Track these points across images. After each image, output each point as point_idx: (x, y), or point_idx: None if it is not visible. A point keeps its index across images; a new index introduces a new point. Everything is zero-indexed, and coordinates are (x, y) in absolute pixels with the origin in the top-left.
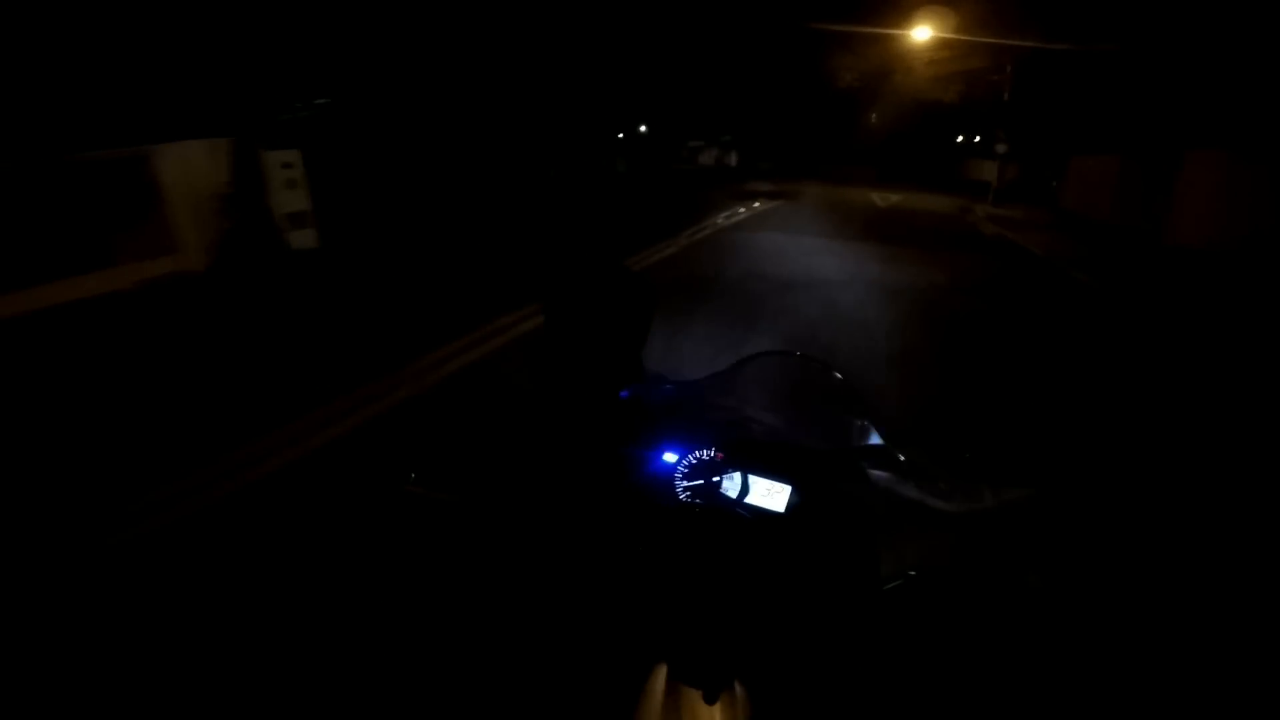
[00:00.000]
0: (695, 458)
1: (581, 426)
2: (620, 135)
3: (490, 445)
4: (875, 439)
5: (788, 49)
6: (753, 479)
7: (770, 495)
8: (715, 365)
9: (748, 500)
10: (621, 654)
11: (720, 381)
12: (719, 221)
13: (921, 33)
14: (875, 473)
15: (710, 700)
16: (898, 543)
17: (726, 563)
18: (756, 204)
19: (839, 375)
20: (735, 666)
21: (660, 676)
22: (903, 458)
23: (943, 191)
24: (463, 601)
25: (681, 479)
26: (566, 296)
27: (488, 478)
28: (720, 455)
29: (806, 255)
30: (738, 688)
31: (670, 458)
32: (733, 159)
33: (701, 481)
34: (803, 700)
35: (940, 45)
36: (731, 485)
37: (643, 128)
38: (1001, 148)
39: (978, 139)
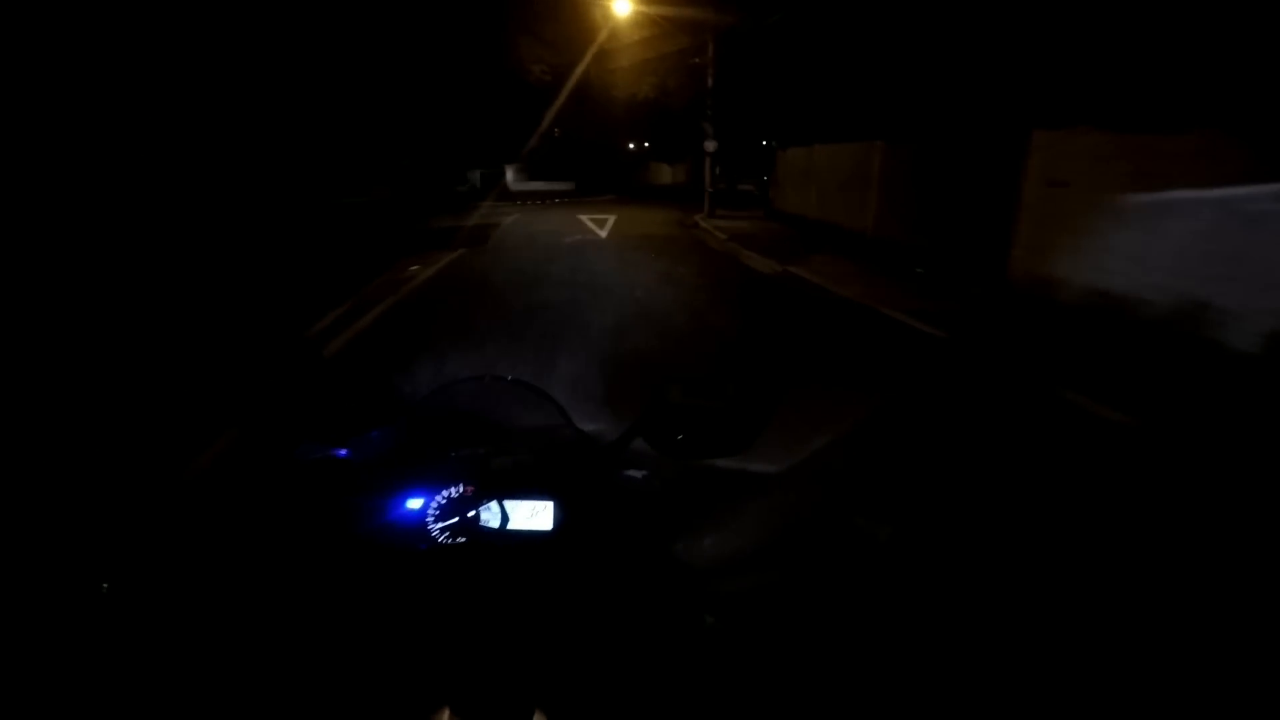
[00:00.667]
0: (445, 496)
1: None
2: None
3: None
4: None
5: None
6: (511, 504)
7: (535, 516)
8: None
9: (511, 527)
10: (400, 703)
11: (420, 421)
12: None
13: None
14: (628, 472)
15: None
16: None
17: (504, 592)
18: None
19: (547, 395)
20: (531, 699)
21: (443, 719)
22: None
23: (658, 202)
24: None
25: (435, 520)
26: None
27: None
28: (470, 489)
29: None
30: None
31: (415, 503)
32: (477, 180)
33: (456, 519)
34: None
35: (638, 25)
36: (491, 516)
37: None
38: (711, 144)
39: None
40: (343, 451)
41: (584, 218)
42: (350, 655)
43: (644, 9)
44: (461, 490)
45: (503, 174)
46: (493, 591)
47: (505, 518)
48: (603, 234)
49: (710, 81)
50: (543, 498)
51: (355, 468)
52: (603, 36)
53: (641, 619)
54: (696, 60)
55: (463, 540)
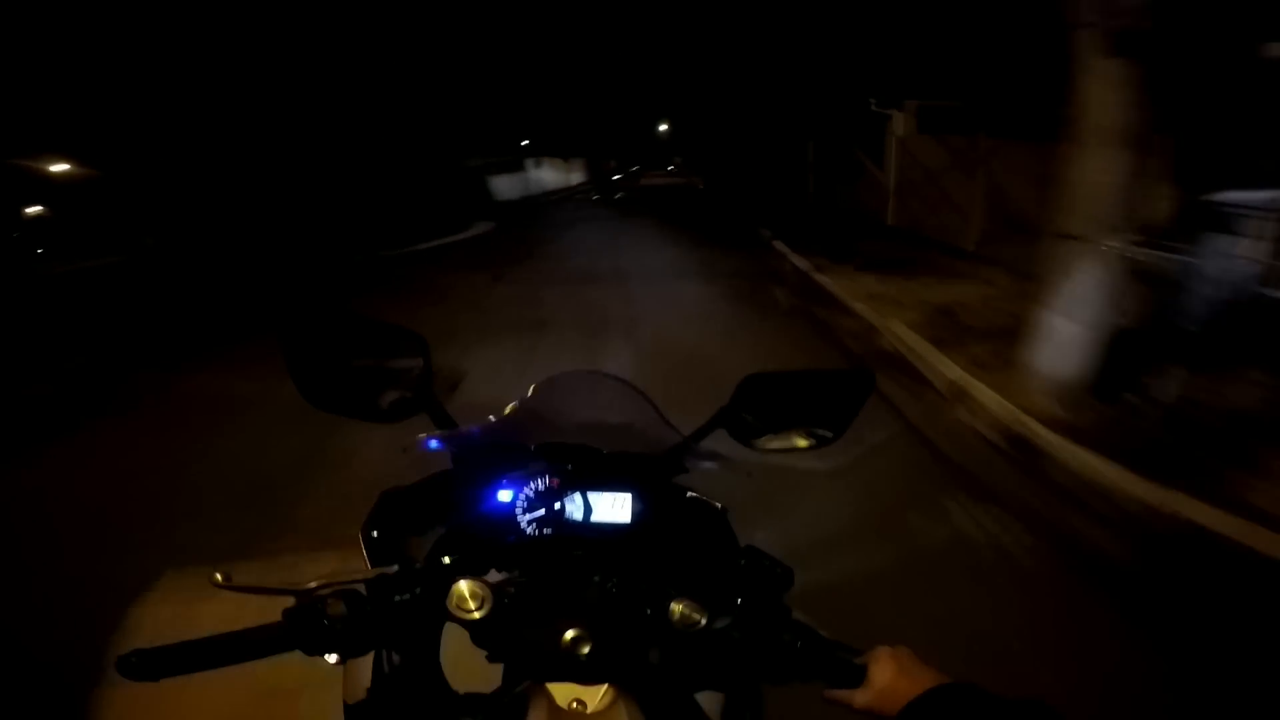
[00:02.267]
0: (532, 489)
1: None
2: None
3: None
4: (678, 437)
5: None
6: (593, 495)
7: (615, 508)
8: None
9: (594, 519)
10: (500, 685)
11: (521, 415)
12: None
13: None
14: (702, 464)
15: (595, 713)
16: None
17: (589, 580)
18: None
19: (636, 389)
20: (613, 680)
21: (540, 701)
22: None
23: None
24: None
25: (523, 513)
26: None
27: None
28: (555, 481)
29: None
30: (622, 702)
31: (505, 495)
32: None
33: (543, 511)
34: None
35: None
36: (575, 508)
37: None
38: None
39: None
40: (440, 445)
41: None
42: (448, 642)
43: None
44: (546, 482)
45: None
46: (581, 579)
47: (589, 509)
48: None
49: None
50: (622, 489)
51: (455, 460)
52: None
53: (716, 612)
54: None
55: (548, 532)
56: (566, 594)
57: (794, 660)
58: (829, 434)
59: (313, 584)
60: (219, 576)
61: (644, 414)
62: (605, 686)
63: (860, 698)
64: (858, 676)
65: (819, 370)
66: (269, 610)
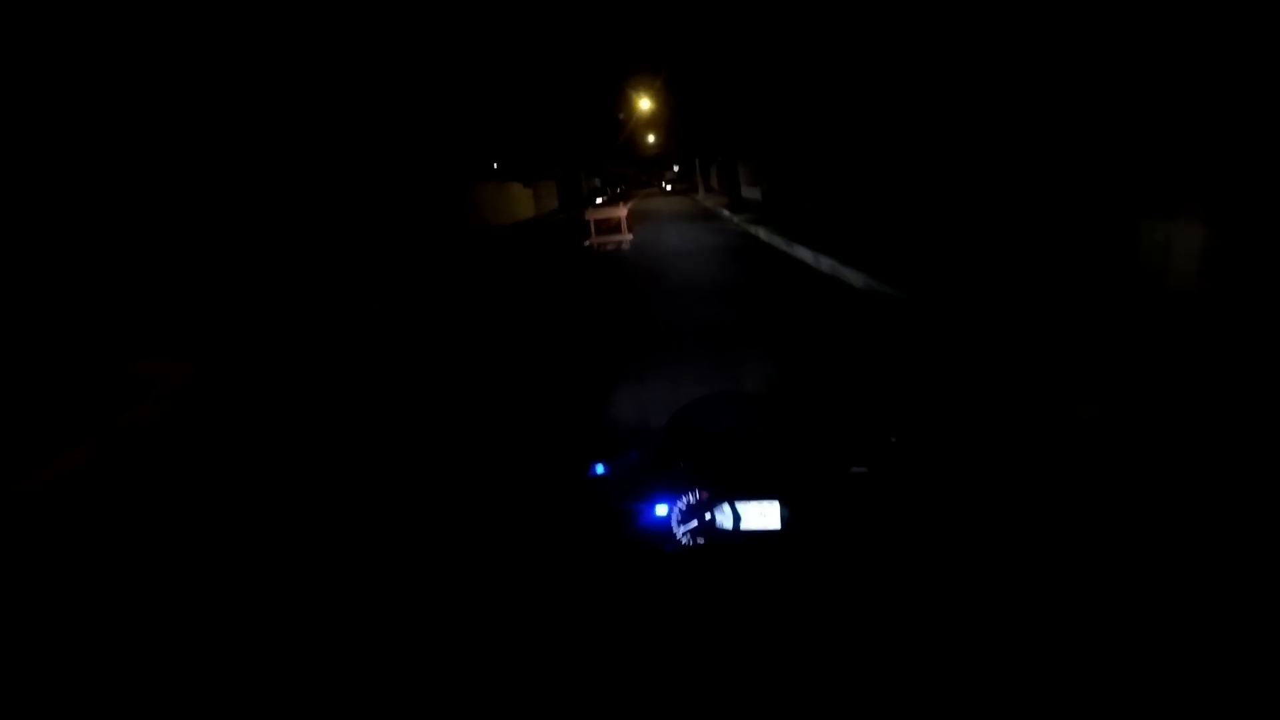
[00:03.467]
0: (685, 503)
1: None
2: None
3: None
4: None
5: None
6: (742, 505)
7: (764, 516)
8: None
9: (744, 527)
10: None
11: (668, 436)
12: None
13: None
14: (856, 469)
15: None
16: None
17: (739, 587)
18: None
19: (768, 398)
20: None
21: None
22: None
23: None
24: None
25: (678, 524)
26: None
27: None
28: (705, 494)
29: None
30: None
31: (662, 510)
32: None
33: (695, 522)
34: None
35: None
36: (725, 518)
37: None
38: None
39: None
40: (607, 470)
41: None
42: (617, 642)
43: None
44: (697, 496)
45: None
46: (729, 587)
47: (738, 517)
48: None
49: None
50: (770, 498)
51: (616, 482)
52: None
53: (871, 613)
54: None
55: (701, 541)
56: (720, 599)
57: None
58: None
59: None
60: None
61: (784, 423)
62: None
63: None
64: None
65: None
66: None
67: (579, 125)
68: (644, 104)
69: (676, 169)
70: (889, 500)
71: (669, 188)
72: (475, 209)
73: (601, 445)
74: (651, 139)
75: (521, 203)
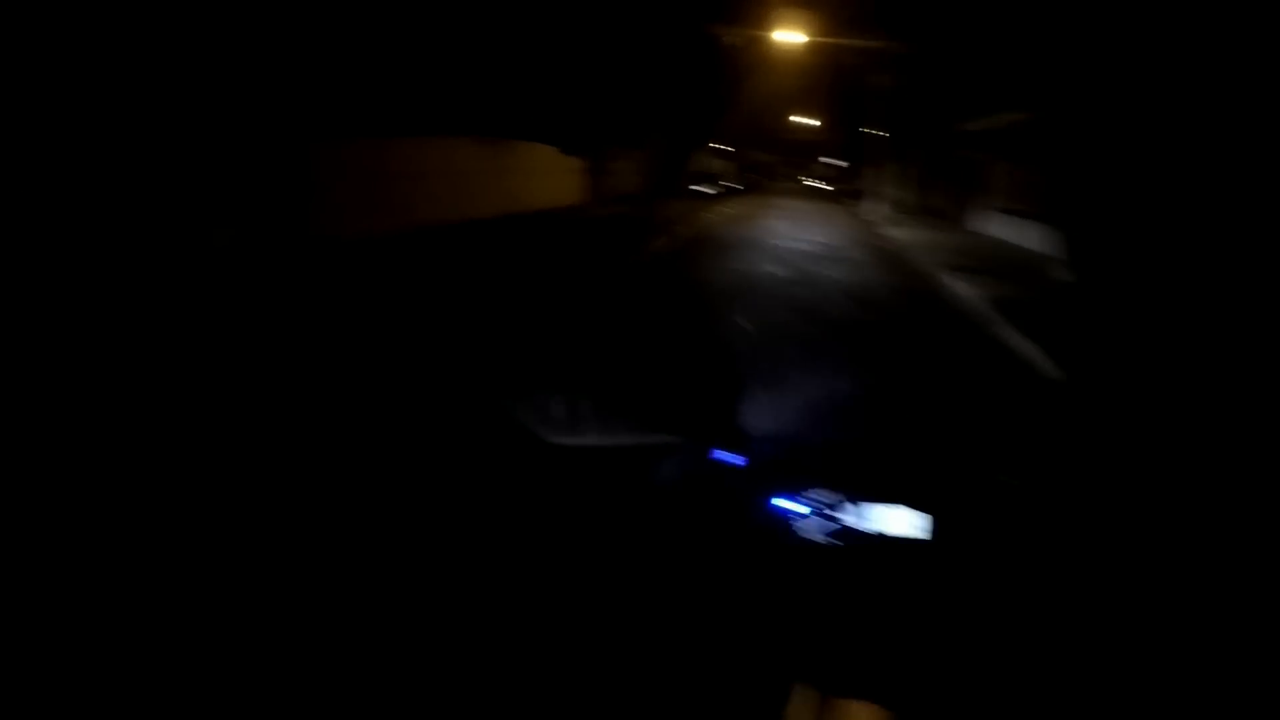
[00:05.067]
0: (827, 502)
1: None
2: None
3: None
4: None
5: None
6: (884, 510)
7: (910, 524)
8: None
9: (884, 532)
10: (761, 679)
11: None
12: None
13: None
14: (1005, 478)
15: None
16: None
17: (876, 594)
18: None
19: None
20: (883, 691)
21: (803, 698)
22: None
23: None
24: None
25: (818, 525)
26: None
27: None
28: (843, 495)
29: None
30: (882, 712)
31: (802, 509)
32: None
33: (836, 525)
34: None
35: None
36: (863, 520)
37: None
38: None
39: None
40: (741, 460)
41: None
42: (736, 636)
43: None
44: (837, 496)
45: None
46: (862, 592)
47: (878, 523)
48: None
49: None
50: (917, 507)
51: (750, 473)
52: None
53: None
54: None
55: (836, 543)
56: (848, 602)
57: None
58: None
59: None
60: None
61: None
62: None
63: None
64: None
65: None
66: None
67: (693, 81)
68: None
69: (843, 164)
70: (1041, 514)
71: (821, 186)
72: (372, 188)
73: (732, 437)
74: (807, 120)
75: (549, 180)
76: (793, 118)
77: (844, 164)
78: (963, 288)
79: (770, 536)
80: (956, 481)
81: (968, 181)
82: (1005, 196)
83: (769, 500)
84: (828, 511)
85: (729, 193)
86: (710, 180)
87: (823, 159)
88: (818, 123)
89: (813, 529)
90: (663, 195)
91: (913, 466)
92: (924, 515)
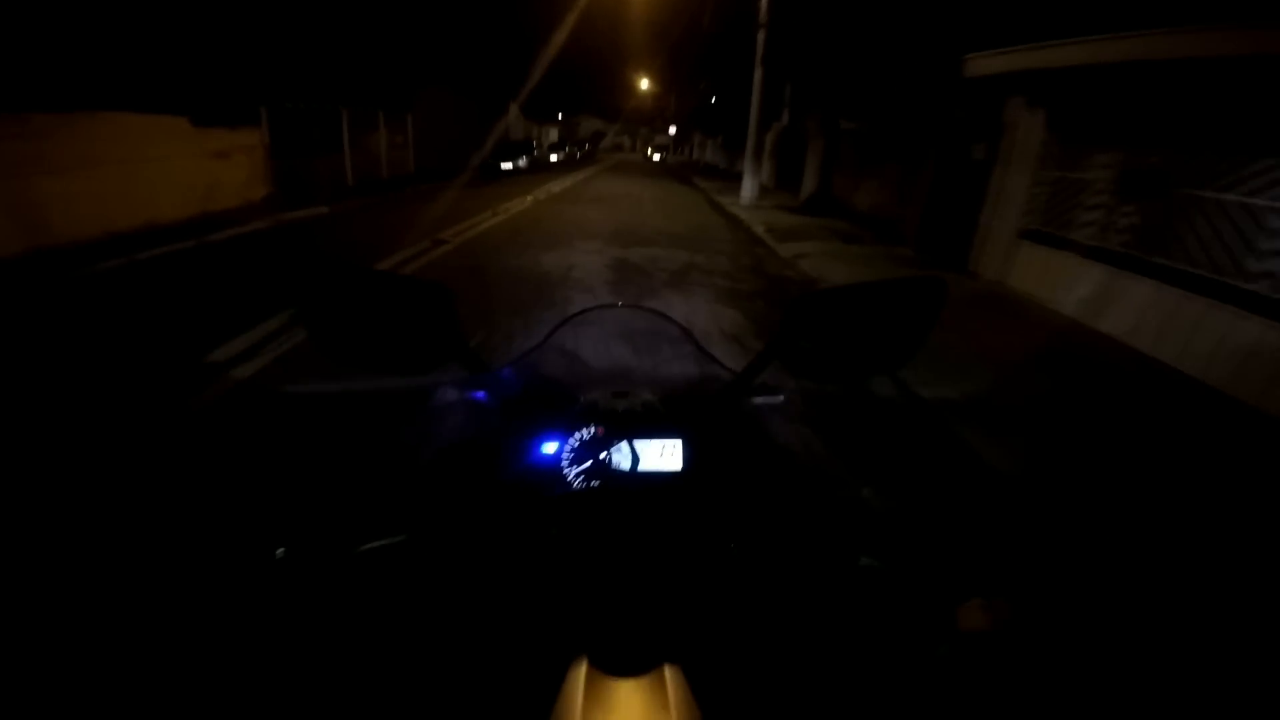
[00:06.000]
0: (576, 439)
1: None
2: None
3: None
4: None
5: None
6: (641, 444)
7: (664, 456)
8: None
9: (641, 468)
10: (536, 650)
11: (552, 353)
12: None
13: None
14: (758, 400)
15: (634, 680)
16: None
17: (634, 537)
18: None
19: (672, 320)
20: (662, 648)
21: (581, 667)
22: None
23: None
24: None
25: (569, 464)
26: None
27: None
28: (600, 430)
29: None
30: (668, 671)
31: (550, 447)
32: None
33: (590, 462)
34: (753, 676)
35: None
36: (622, 457)
37: None
38: None
39: None
40: (480, 395)
41: None
42: (493, 601)
43: None
44: (593, 432)
45: None
46: (626, 536)
47: (636, 458)
48: None
49: None
50: (672, 435)
51: (491, 411)
52: None
53: (781, 565)
54: None
55: (595, 484)
56: (615, 552)
57: (868, 604)
58: (897, 356)
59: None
60: (279, 553)
61: (683, 349)
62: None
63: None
64: (947, 624)
65: (879, 282)
66: None
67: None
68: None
69: (673, 131)
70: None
71: (658, 157)
72: None
73: (468, 361)
74: (646, 84)
75: (166, 171)
76: (644, 82)
77: (673, 132)
78: None
79: (519, 484)
80: (711, 403)
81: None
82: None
83: (522, 444)
84: (582, 450)
85: (543, 167)
86: (522, 152)
87: (661, 133)
88: (658, 91)
89: (567, 471)
90: (446, 177)
91: (662, 390)
92: (680, 444)
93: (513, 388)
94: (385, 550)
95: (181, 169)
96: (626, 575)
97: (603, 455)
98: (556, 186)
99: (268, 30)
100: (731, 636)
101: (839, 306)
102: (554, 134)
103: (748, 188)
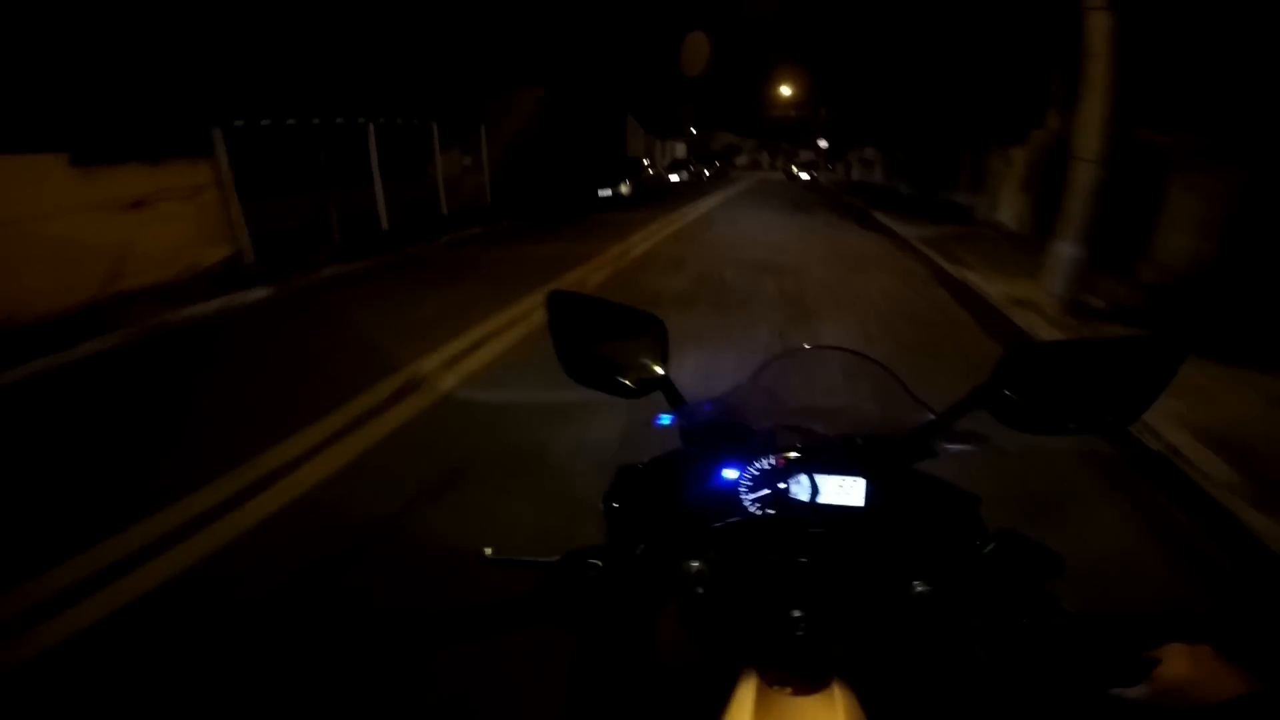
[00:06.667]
0: (757, 468)
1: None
2: None
3: None
4: (928, 416)
5: None
6: (821, 478)
7: (844, 491)
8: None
9: (820, 500)
10: (706, 664)
11: (752, 388)
12: None
13: None
14: (953, 447)
15: (803, 697)
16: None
17: (810, 566)
18: None
19: (876, 361)
20: (831, 666)
21: (750, 682)
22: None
23: None
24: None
25: (747, 492)
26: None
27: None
28: (781, 461)
29: None
30: (836, 688)
31: (730, 474)
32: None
33: (768, 491)
34: (915, 696)
35: None
36: (801, 489)
37: None
38: None
39: None
40: (672, 419)
41: None
42: (670, 613)
43: None
44: (772, 463)
45: None
46: (802, 564)
47: (815, 490)
48: None
49: None
50: (853, 473)
51: (685, 438)
52: None
53: (960, 600)
54: None
55: (772, 512)
56: (789, 576)
57: (1063, 652)
58: (1119, 417)
59: (556, 557)
60: (488, 551)
61: (888, 390)
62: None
63: (1139, 692)
64: (1141, 672)
65: (1106, 339)
66: None
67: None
68: None
69: (824, 144)
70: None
71: (806, 176)
72: None
73: (669, 392)
74: (789, 91)
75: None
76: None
77: (825, 146)
78: None
79: (699, 507)
80: (897, 445)
81: None
82: None
83: (702, 469)
84: (761, 478)
85: (657, 193)
86: (625, 175)
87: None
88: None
89: (744, 498)
90: (523, 213)
91: (858, 428)
92: (864, 482)
93: (704, 419)
94: (581, 559)
95: (56, 232)
96: (801, 600)
97: (781, 485)
98: (659, 230)
99: (226, 9)
100: (907, 663)
101: (1057, 360)
102: (680, 149)
103: (1063, 263)
